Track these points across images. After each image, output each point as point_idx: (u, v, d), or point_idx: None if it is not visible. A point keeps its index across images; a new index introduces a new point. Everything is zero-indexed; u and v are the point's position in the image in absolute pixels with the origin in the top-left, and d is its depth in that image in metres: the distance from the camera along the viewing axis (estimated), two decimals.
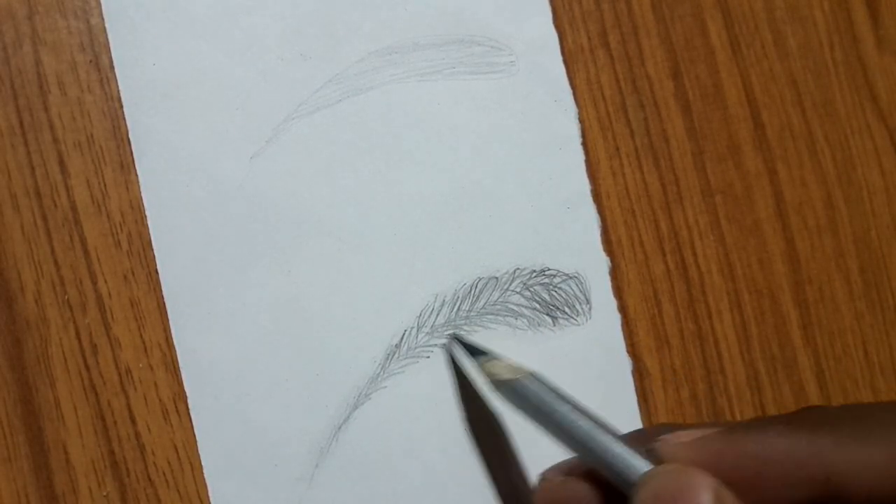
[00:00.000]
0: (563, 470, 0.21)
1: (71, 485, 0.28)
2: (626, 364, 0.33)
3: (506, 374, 0.21)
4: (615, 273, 0.34)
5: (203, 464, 0.29)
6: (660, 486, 0.19)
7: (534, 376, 0.21)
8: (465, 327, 0.32)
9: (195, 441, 0.29)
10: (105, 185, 0.29)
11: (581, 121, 0.34)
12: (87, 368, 0.28)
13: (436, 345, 0.31)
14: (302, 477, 0.29)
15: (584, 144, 0.34)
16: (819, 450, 0.19)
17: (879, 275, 0.36)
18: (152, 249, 0.29)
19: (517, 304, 0.32)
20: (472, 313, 0.32)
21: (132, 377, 0.29)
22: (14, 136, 0.29)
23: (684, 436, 0.20)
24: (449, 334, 0.23)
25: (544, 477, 0.21)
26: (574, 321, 0.33)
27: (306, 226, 0.31)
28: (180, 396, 0.29)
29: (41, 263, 0.28)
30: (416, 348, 0.31)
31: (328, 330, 0.30)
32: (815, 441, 0.19)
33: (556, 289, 0.33)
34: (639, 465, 0.19)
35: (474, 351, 0.23)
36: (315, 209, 0.31)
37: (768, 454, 0.19)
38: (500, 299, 0.32)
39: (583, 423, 0.20)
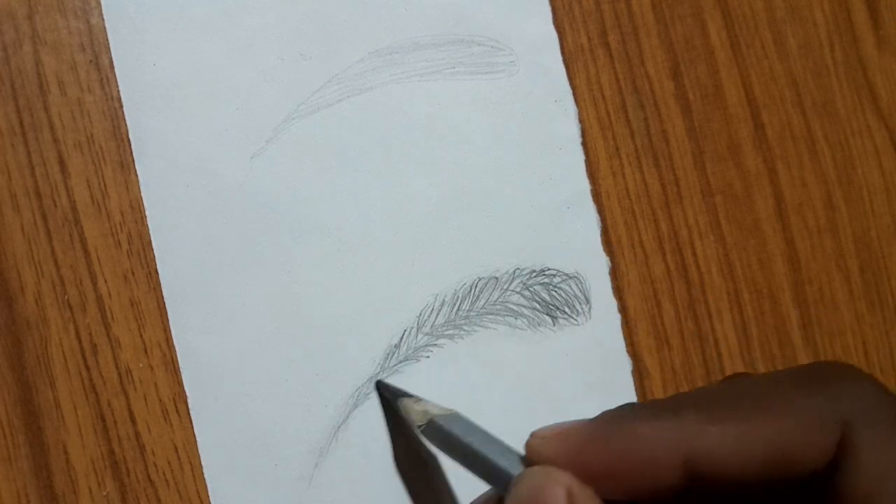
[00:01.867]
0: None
1: (71, 485, 0.28)
2: (626, 364, 0.33)
3: (428, 414, 0.22)
4: (615, 273, 0.34)
5: (203, 463, 0.29)
6: (520, 488, 0.19)
7: (457, 416, 0.22)
8: (466, 327, 0.32)
9: (195, 441, 0.29)
10: (105, 185, 0.29)
11: (581, 121, 0.34)
12: (87, 368, 0.28)
13: (435, 345, 0.31)
14: (301, 476, 0.29)
15: (584, 144, 0.34)
16: (678, 434, 0.19)
17: (879, 275, 0.36)
18: (152, 249, 0.29)
19: (517, 304, 0.32)
20: (471, 313, 0.32)
21: (132, 377, 0.29)
22: (14, 135, 0.29)
23: (549, 430, 0.21)
24: (376, 381, 0.24)
25: None
26: (574, 321, 0.33)
27: (306, 225, 0.31)
28: (180, 396, 0.29)
29: (41, 263, 0.28)
30: (415, 348, 0.31)
31: (328, 330, 0.30)
32: (675, 425, 0.19)
33: (555, 289, 0.33)
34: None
35: (399, 394, 0.23)
36: (315, 209, 0.31)
37: (629, 443, 0.19)
38: (500, 299, 0.32)
39: (501, 458, 0.20)
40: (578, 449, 0.20)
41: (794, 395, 0.19)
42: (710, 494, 0.19)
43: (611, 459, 0.19)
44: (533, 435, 0.21)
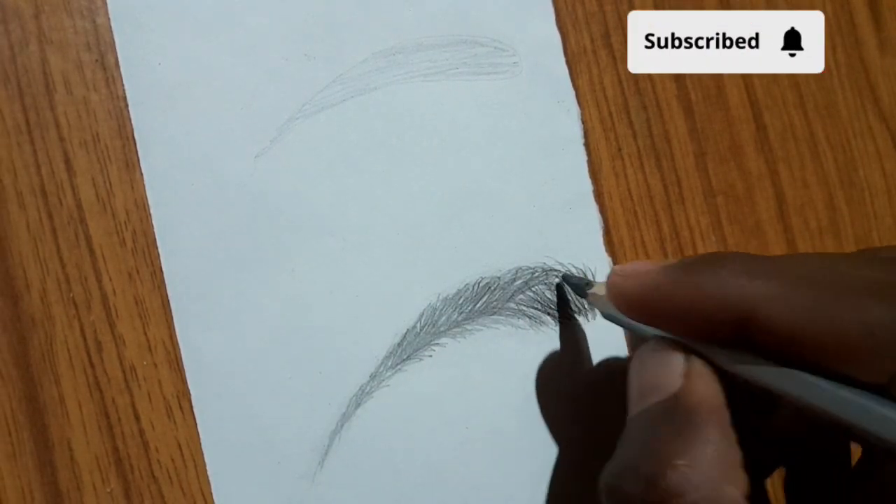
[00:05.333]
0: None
1: (75, 481, 0.28)
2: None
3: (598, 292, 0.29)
4: None
5: (206, 461, 0.29)
6: (644, 350, 0.24)
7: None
8: (468, 326, 0.32)
9: (198, 438, 0.29)
10: (110, 184, 0.29)
11: (584, 122, 0.34)
12: (92, 366, 0.28)
13: (438, 344, 0.31)
14: (305, 475, 0.30)
15: (587, 145, 0.34)
16: (741, 296, 0.21)
17: None
18: (157, 247, 0.29)
19: (519, 304, 0.33)
20: (474, 313, 0.32)
21: (136, 374, 0.29)
22: (20, 134, 0.29)
23: (629, 268, 0.24)
24: (562, 276, 0.32)
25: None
26: (576, 321, 0.33)
27: (310, 225, 0.31)
28: (184, 394, 0.29)
29: (47, 261, 0.28)
30: (417, 347, 0.31)
31: (331, 328, 0.30)
32: (742, 288, 0.21)
33: (558, 288, 0.33)
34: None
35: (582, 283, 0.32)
36: (318, 208, 0.31)
37: (693, 295, 0.22)
38: (502, 299, 0.32)
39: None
40: (651, 292, 0.23)
41: (869, 304, 0.19)
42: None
43: (674, 307, 0.22)
44: (614, 271, 0.25)
